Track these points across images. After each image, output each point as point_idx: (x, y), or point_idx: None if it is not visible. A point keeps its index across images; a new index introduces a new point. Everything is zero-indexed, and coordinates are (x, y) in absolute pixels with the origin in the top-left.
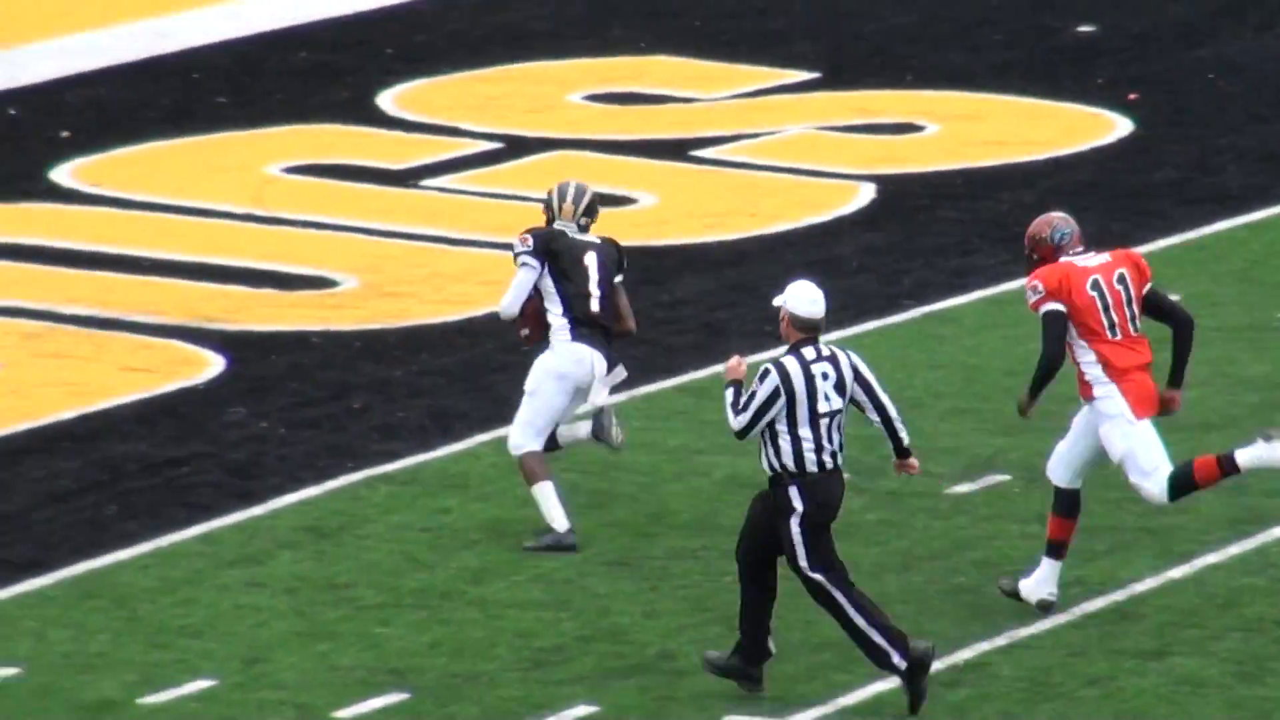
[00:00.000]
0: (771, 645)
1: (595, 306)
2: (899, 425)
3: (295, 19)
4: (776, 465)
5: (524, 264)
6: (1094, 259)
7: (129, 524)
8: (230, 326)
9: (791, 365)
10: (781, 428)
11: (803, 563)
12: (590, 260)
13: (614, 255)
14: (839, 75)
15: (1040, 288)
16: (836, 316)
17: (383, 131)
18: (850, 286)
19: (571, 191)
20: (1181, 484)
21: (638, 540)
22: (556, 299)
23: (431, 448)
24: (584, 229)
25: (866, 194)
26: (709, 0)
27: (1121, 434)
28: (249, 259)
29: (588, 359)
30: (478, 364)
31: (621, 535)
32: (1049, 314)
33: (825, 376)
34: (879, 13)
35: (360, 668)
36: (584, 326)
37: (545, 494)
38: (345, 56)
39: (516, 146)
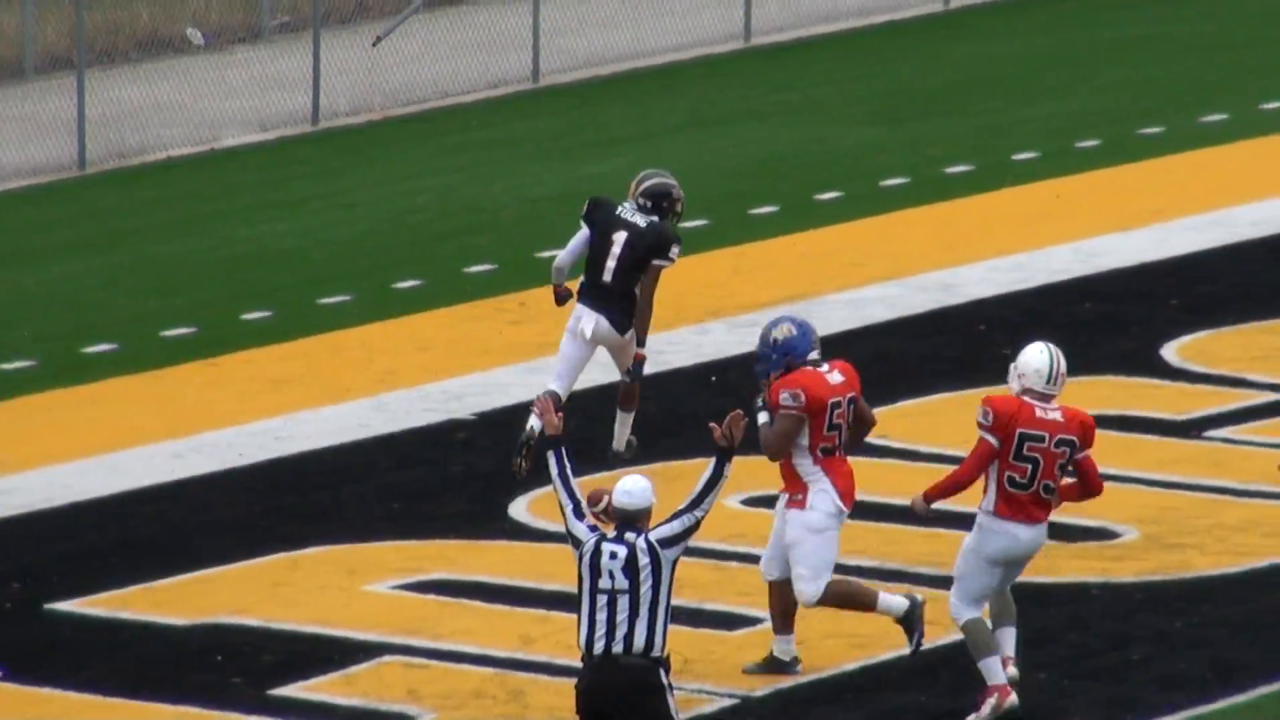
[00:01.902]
0: None
1: (605, 276)
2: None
3: (1080, 271)
4: None
5: (581, 224)
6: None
7: None
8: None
9: (591, 539)
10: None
11: None
12: (619, 238)
13: (648, 240)
14: None
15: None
16: None
17: (1166, 383)
18: None
19: (639, 175)
20: None
21: None
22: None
23: (1213, 698)
24: (642, 209)
25: None
26: None
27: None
28: None
29: (583, 315)
30: (1261, 614)
31: None
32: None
33: (614, 556)
34: None
35: None
36: (590, 289)
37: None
38: (1130, 308)
39: None
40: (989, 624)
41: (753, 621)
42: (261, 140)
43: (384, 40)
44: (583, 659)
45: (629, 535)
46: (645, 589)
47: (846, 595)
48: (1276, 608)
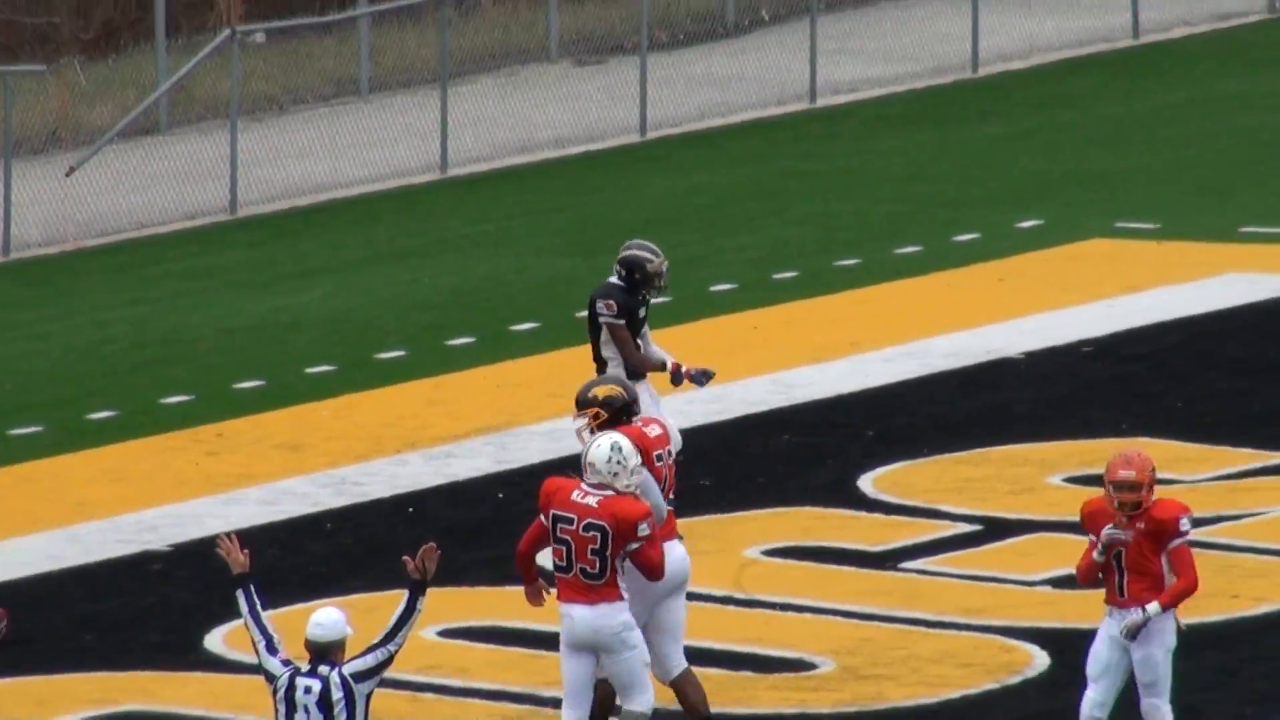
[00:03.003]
0: None
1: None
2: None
3: (778, 402)
4: None
5: None
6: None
7: None
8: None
9: (284, 674)
10: None
11: None
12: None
13: (591, 307)
14: None
15: None
16: None
17: (862, 514)
18: None
19: (626, 243)
20: None
21: None
22: None
23: None
24: (619, 277)
25: None
26: (1189, 383)
27: None
28: (727, 641)
29: None
30: None
31: None
32: None
33: (308, 691)
34: None
35: None
36: None
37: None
38: (827, 439)
39: (996, 528)
40: None
41: None
42: None
43: (78, 170)
44: None
45: (322, 669)
46: None
47: None
48: None
